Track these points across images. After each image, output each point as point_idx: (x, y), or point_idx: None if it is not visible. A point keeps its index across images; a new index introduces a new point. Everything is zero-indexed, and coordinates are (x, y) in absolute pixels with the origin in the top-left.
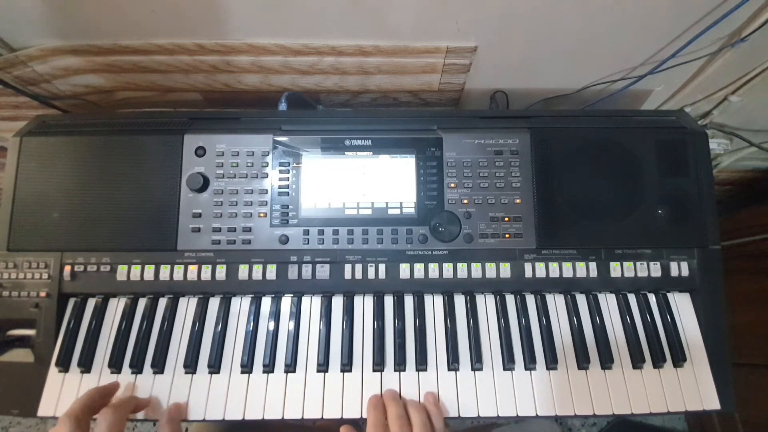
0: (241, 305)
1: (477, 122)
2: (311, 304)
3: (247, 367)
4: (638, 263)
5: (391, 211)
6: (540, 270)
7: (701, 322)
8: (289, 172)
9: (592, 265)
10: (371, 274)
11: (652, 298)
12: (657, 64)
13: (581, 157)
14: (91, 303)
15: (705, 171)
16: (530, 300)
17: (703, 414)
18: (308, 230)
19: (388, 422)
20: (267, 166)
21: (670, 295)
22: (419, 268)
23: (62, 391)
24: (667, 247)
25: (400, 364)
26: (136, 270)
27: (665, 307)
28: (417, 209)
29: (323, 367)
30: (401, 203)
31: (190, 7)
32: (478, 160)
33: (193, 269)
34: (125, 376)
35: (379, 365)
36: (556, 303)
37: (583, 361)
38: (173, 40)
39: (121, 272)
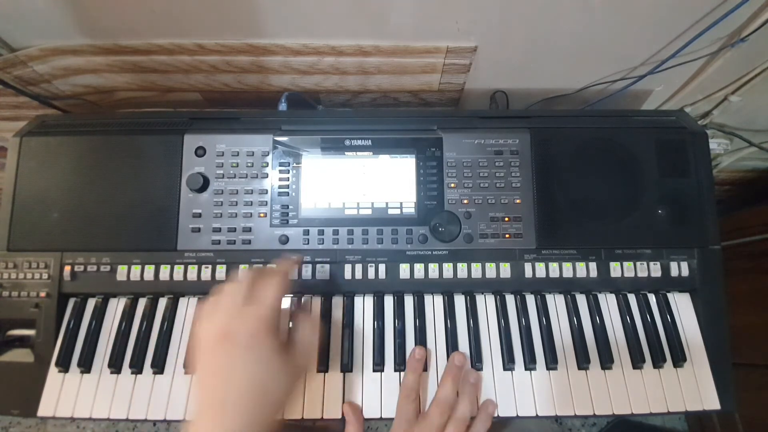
0: None
1: (477, 122)
2: (311, 304)
3: None
4: (638, 263)
5: (391, 211)
6: (540, 270)
7: (701, 322)
8: (289, 172)
9: (592, 265)
10: (371, 274)
11: (652, 298)
12: (657, 64)
13: (581, 157)
14: (91, 303)
15: (705, 171)
16: (530, 300)
17: (703, 414)
18: (308, 230)
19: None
20: (267, 166)
21: (670, 295)
22: (419, 268)
23: (62, 392)
24: (667, 247)
25: (400, 364)
26: (136, 270)
27: (665, 307)
28: (417, 209)
29: (323, 367)
30: (401, 203)
31: (190, 6)
32: (478, 160)
33: (193, 269)
34: (125, 376)
35: (379, 365)
36: (556, 303)
37: (583, 361)
38: (173, 40)
39: (121, 272)
